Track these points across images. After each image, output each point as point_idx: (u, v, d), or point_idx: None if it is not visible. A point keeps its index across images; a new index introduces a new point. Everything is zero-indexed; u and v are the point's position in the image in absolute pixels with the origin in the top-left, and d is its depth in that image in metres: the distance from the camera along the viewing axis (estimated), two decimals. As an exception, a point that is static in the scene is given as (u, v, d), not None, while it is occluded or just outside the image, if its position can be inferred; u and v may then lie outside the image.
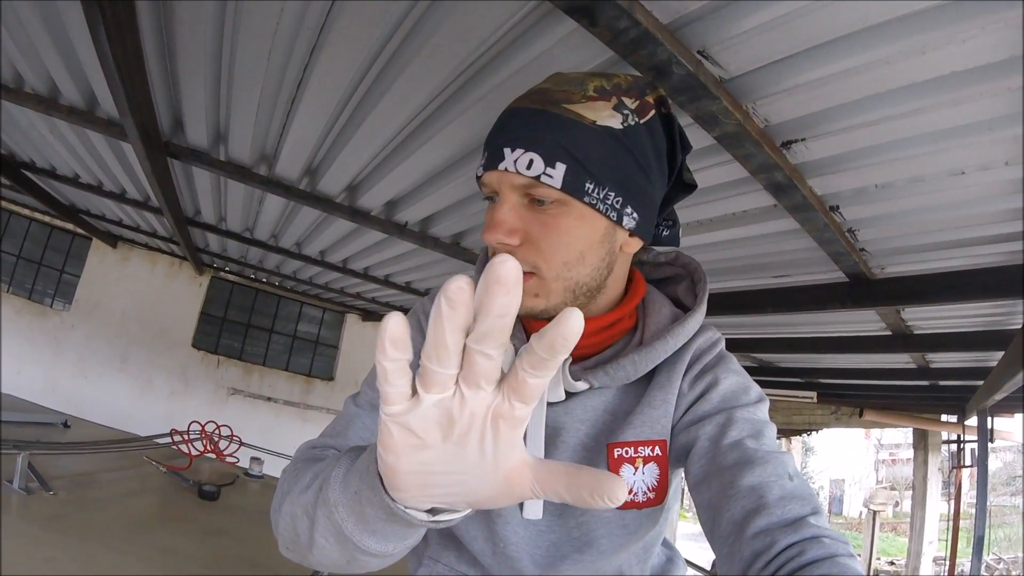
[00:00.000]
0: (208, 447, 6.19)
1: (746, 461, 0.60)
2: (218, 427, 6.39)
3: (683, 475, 0.73)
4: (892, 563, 10.20)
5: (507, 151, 0.62)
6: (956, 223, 1.89)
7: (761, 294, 2.93)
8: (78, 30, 1.96)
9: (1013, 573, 10.73)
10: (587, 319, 0.70)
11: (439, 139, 2.05)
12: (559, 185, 0.61)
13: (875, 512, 9.79)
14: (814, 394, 5.95)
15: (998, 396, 3.57)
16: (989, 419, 4.92)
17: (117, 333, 7.39)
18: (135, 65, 1.96)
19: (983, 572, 4.90)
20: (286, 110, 2.19)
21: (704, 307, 0.73)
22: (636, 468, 0.69)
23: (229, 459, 6.26)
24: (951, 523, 6.25)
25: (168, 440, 5.74)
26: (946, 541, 6.32)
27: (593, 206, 0.63)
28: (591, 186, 0.62)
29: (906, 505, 13.30)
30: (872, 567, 9.54)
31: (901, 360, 4.16)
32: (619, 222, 0.65)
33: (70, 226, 7.11)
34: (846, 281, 2.52)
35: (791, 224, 2.05)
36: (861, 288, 2.50)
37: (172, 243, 5.97)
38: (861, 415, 6.80)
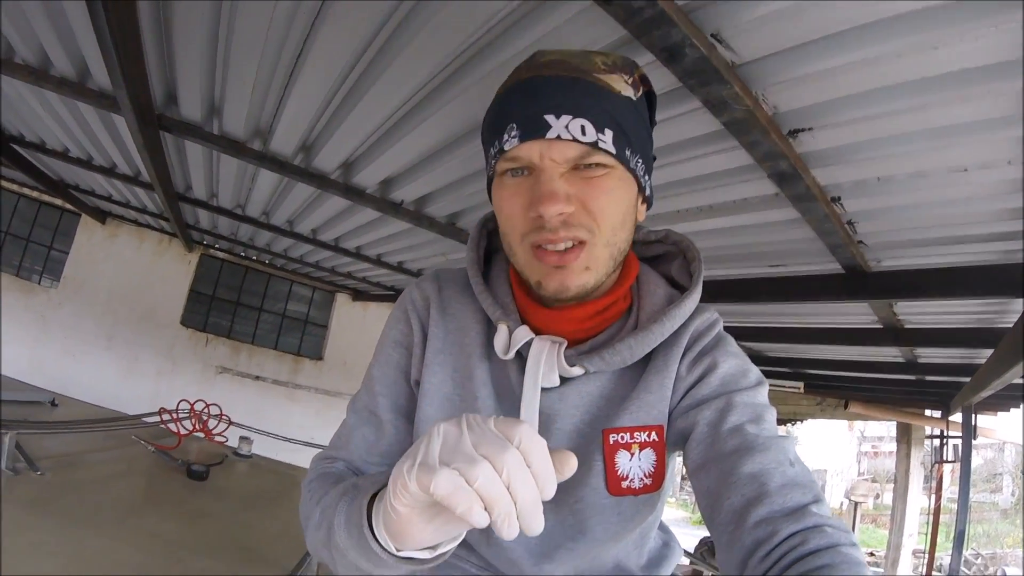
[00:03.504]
0: (197, 426, 6.15)
1: (746, 447, 0.59)
2: (207, 406, 6.35)
3: (680, 459, 0.72)
4: (872, 554, 10.40)
5: (551, 118, 0.60)
6: (955, 220, 1.89)
7: (756, 283, 2.93)
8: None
9: (990, 568, 10.97)
10: (583, 303, 0.70)
11: (438, 117, 2.02)
12: (614, 151, 0.62)
13: (856, 503, 9.96)
14: (801, 384, 6.00)
15: (985, 393, 3.62)
16: (973, 416, 4.98)
17: (105, 311, 7.29)
18: (130, 35, 1.90)
19: (962, 567, 4.99)
20: (283, 84, 2.14)
21: (700, 286, 0.71)
22: (632, 454, 0.67)
23: (218, 438, 6.23)
24: (931, 517, 6.36)
25: (156, 419, 5.69)
26: (926, 534, 6.43)
27: (633, 171, 0.64)
28: (629, 152, 0.63)
29: (886, 497, 13.57)
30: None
31: (889, 353, 4.19)
32: (642, 190, 0.68)
33: (59, 201, 6.97)
34: (842, 273, 2.52)
35: (791, 214, 2.05)
36: (856, 280, 2.50)
37: (162, 219, 5.89)
38: (846, 407, 6.86)
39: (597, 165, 0.62)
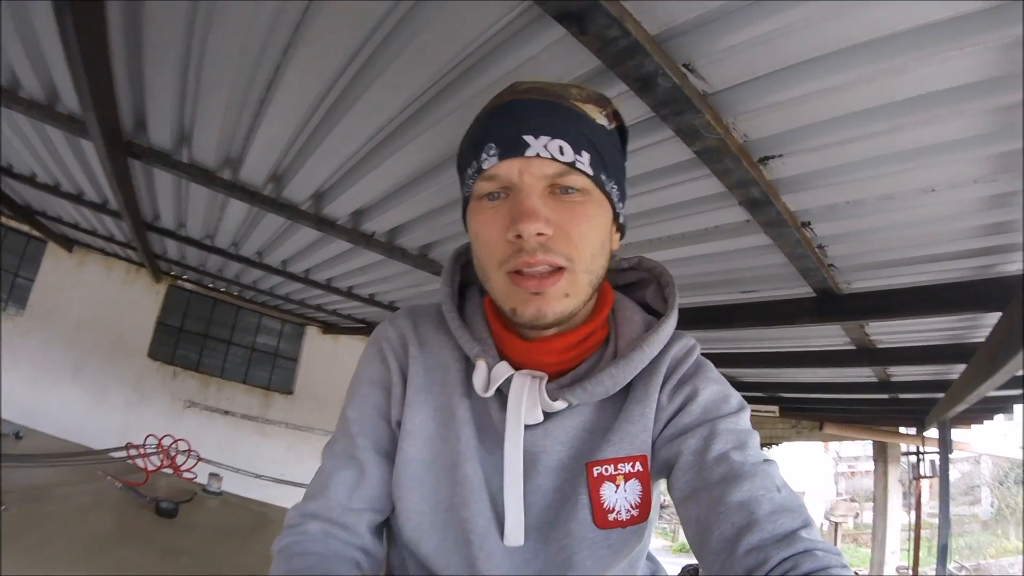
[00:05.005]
0: (165, 462, 5.93)
1: (733, 475, 0.59)
2: (175, 441, 6.13)
3: (664, 488, 0.71)
4: (856, 574, 10.40)
5: (530, 138, 0.60)
6: (924, 239, 1.93)
7: (730, 309, 2.95)
8: (44, 20, 1.85)
9: None
10: (562, 334, 0.68)
11: (412, 148, 2.01)
12: (592, 172, 0.62)
13: (836, 524, 10.00)
14: (776, 408, 6.05)
15: (959, 408, 3.68)
16: (949, 431, 5.07)
17: (72, 341, 7.03)
18: (101, 59, 1.86)
19: (946, 579, 5.04)
20: (255, 112, 2.11)
21: (676, 311, 0.71)
22: (617, 486, 0.66)
23: (187, 474, 6.01)
24: (913, 533, 6.41)
25: (124, 454, 5.47)
26: (908, 551, 6.47)
27: (609, 196, 0.65)
28: (605, 176, 0.64)
29: (866, 516, 13.67)
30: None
31: (863, 374, 4.25)
32: (616, 217, 0.68)
33: (25, 228, 6.77)
34: (814, 296, 2.56)
35: (763, 240, 2.07)
36: (828, 303, 2.54)
37: (130, 248, 5.75)
38: (821, 428, 6.94)
39: (575, 190, 0.62)
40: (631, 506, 0.66)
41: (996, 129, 1.28)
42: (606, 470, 0.66)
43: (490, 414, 0.70)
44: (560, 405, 0.66)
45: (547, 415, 0.68)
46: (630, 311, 0.74)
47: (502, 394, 0.68)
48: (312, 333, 8.49)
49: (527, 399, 0.66)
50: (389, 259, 3.24)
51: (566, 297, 0.63)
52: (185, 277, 7.29)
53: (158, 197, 3.58)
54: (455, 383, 0.72)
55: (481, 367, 0.68)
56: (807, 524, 0.56)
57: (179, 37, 1.80)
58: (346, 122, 1.96)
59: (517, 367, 0.68)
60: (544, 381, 0.67)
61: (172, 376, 7.61)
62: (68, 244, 7.05)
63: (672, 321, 0.70)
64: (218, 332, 8.07)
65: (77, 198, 4.09)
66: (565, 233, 0.61)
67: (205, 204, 3.43)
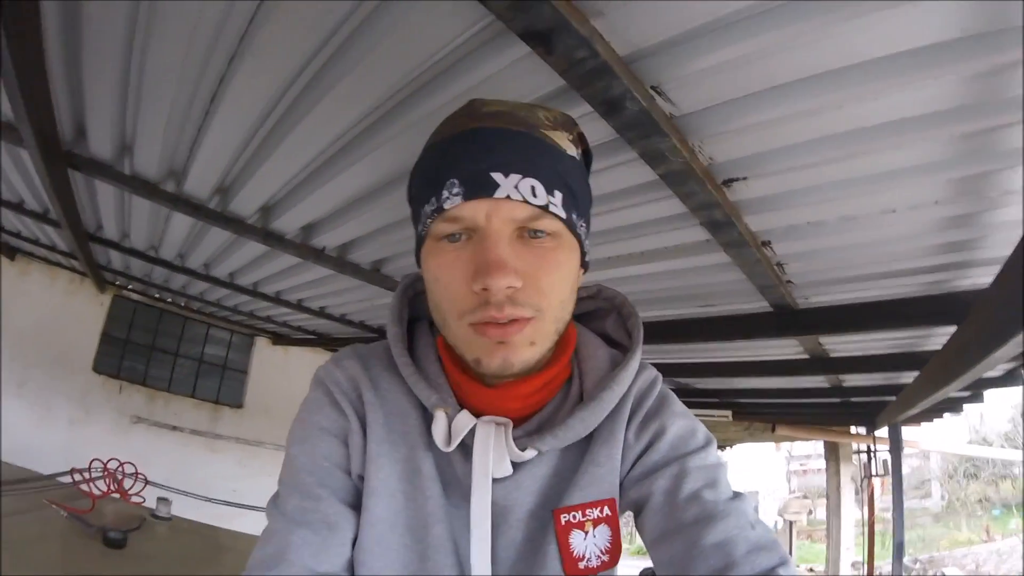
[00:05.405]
0: (112, 487, 5.61)
1: (707, 516, 0.57)
2: (121, 464, 5.81)
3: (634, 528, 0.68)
4: (811, 570, 10.70)
5: (499, 176, 0.54)
6: (882, 257, 1.95)
7: (688, 324, 2.95)
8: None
9: (929, 571, 11.52)
10: (526, 378, 0.62)
11: (366, 162, 1.91)
12: (564, 214, 0.57)
13: (791, 522, 10.26)
14: (729, 412, 6.16)
15: (911, 412, 3.80)
16: (900, 432, 5.25)
17: (14, 355, 6.57)
18: (35, 65, 1.72)
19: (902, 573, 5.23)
20: (198, 123, 1.98)
21: (640, 345, 0.67)
22: (586, 532, 0.62)
23: (135, 498, 5.70)
24: (866, 529, 6.61)
25: (69, 479, 5.15)
26: (862, 546, 6.68)
27: (579, 237, 0.61)
28: (575, 215, 0.60)
29: (819, 513, 14.10)
30: (791, 575, 9.93)
31: (815, 380, 4.35)
32: (583, 254, 0.64)
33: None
34: (771, 311, 2.58)
35: (723, 258, 2.07)
36: (785, 318, 2.56)
37: (72, 258, 5.44)
38: (774, 430, 7.09)
39: (546, 234, 0.57)
40: (601, 552, 0.63)
41: (961, 154, 1.29)
42: (574, 517, 0.62)
43: (454, 466, 0.64)
44: (529, 454, 0.62)
45: (515, 465, 0.62)
46: (593, 346, 0.70)
47: (465, 445, 0.62)
48: (262, 344, 8.19)
49: (494, 451, 0.61)
50: (340, 274, 3.13)
51: (531, 345, 0.58)
52: (130, 287, 6.94)
53: (100, 207, 3.38)
54: (415, 433, 0.65)
55: (440, 418, 0.62)
56: (784, 561, 0.55)
57: (119, 43, 1.67)
58: (295, 135, 1.85)
59: (478, 414, 0.62)
60: (509, 428, 0.62)
61: (118, 391, 7.22)
62: (11, 252, 6.64)
63: (638, 356, 0.66)
64: (165, 343, 7.70)
65: (18, 207, 3.83)
66: (535, 283, 0.56)
67: (149, 216, 3.25)
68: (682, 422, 0.66)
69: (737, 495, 0.61)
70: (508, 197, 0.54)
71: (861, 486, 6.94)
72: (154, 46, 1.62)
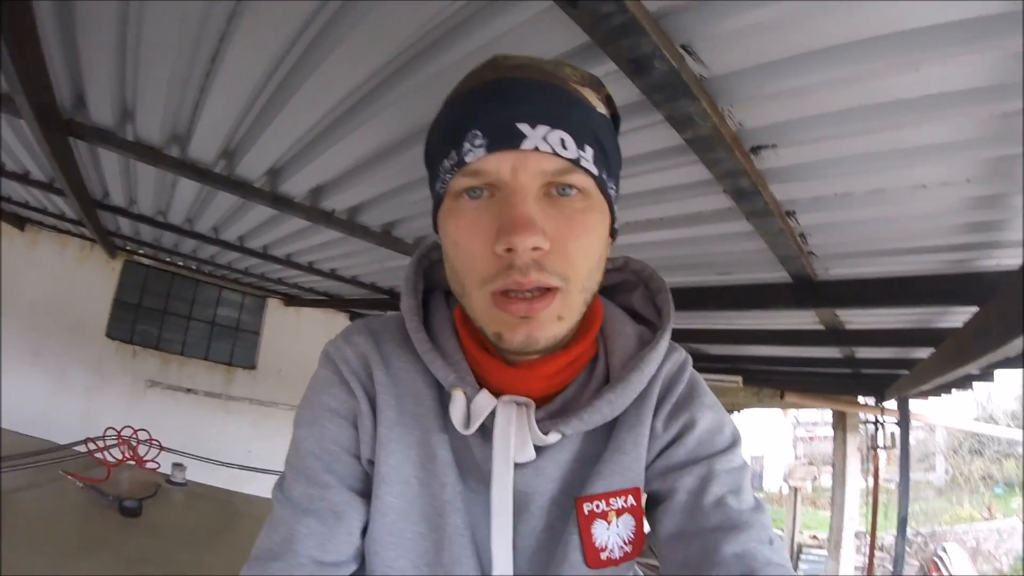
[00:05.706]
0: (126, 455, 5.69)
1: (730, 524, 0.55)
2: (135, 432, 5.89)
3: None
4: (815, 537, 10.86)
5: (526, 127, 0.49)
6: (907, 233, 1.89)
7: (705, 291, 2.90)
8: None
9: (930, 545, 11.68)
10: (551, 356, 0.57)
11: (375, 123, 1.84)
12: (596, 171, 0.52)
13: (796, 489, 10.37)
14: (740, 379, 6.15)
15: (923, 388, 3.76)
16: (908, 406, 5.22)
17: (28, 324, 6.65)
18: (28, 33, 1.65)
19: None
20: (200, 86, 1.91)
21: (671, 323, 0.62)
22: (609, 523, 0.59)
23: (150, 464, 5.79)
24: (871, 499, 6.66)
25: (84, 449, 5.21)
26: (866, 516, 6.74)
27: (609, 199, 0.57)
28: (607, 176, 0.56)
29: (824, 480, 14.25)
30: (796, 541, 10.13)
31: (828, 350, 4.30)
32: (614, 221, 0.59)
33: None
34: (789, 282, 2.52)
35: (745, 227, 2.00)
36: (804, 290, 2.51)
37: (81, 226, 5.43)
38: (782, 397, 7.09)
39: (576, 191, 0.52)
40: (624, 542, 0.60)
41: (998, 133, 1.22)
42: (597, 506, 0.59)
43: (471, 449, 0.60)
44: (553, 438, 0.57)
45: (537, 449, 0.59)
46: (619, 321, 0.65)
47: (484, 427, 0.58)
48: (274, 305, 8.21)
49: (516, 435, 0.57)
50: (350, 236, 3.08)
51: (559, 320, 0.53)
52: (141, 252, 6.94)
53: (105, 174, 3.33)
54: (430, 415, 0.61)
55: (459, 399, 0.58)
56: None
57: (113, 6, 1.59)
58: (301, 95, 1.77)
59: (498, 394, 0.58)
60: (532, 409, 0.58)
61: (132, 355, 7.30)
62: (20, 223, 6.65)
63: (668, 335, 0.62)
64: (177, 307, 7.73)
65: (23, 178, 3.80)
66: (562, 248, 0.51)
67: (155, 181, 3.20)
68: (711, 415, 0.63)
69: (758, 505, 0.59)
70: (536, 149, 0.49)
71: (867, 456, 6.96)
72: (151, 8, 1.54)
